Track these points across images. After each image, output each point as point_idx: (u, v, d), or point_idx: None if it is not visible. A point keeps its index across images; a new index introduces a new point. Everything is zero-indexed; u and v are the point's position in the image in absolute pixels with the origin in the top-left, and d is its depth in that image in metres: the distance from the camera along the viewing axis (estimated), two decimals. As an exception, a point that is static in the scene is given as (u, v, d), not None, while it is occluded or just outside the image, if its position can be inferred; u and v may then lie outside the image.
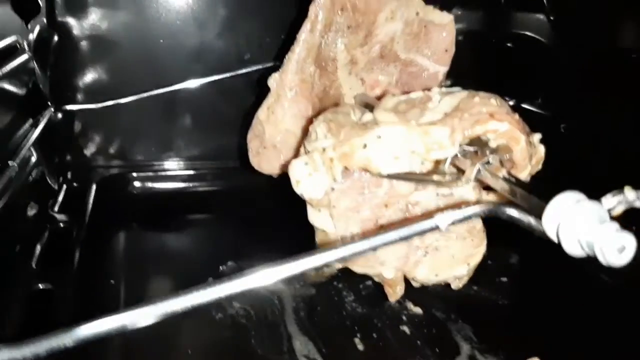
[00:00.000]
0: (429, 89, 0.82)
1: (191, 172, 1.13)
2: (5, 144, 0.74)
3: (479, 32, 1.21)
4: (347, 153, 0.57)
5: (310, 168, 0.60)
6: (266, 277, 0.43)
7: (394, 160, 0.56)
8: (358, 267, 0.70)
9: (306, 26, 0.72)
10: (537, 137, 0.63)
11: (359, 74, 0.78)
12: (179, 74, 1.05)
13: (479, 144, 0.56)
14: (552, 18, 1.05)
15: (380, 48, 0.77)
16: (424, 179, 0.59)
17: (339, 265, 0.78)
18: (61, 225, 0.88)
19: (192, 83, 1.04)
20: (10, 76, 0.80)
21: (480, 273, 0.81)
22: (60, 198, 0.95)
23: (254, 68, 1.03)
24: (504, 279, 0.86)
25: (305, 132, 0.74)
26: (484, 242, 0.69)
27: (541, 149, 0.63)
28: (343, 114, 0.61)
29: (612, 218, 0.43)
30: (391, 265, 0.68)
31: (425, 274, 0.71)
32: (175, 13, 1.04)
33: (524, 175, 0.60)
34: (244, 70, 1.03)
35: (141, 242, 0.95)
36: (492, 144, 0.56)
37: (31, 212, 0.83)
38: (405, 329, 0.75)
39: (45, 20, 0.93)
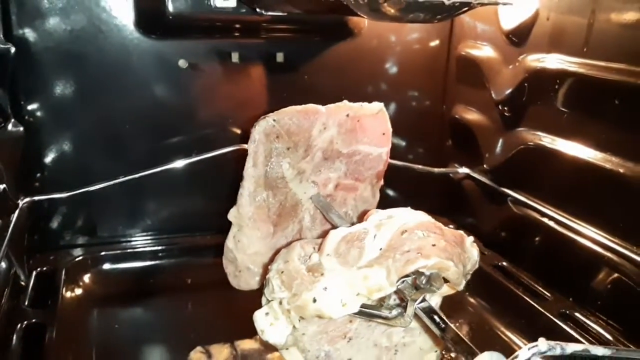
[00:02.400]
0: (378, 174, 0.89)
1: (160, 247, 1.16)
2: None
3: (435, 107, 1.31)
4: (301, 306, 0.63)
5: (272, 317, 0.66)
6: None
7: (343, 307, 0.61)
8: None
9: (249, 162, 0.78)
10: (469, 241, 0.69)
11: (309, 179, 0.84)
12: (145, 158, 1.08)
13: (415, 273, 0.62)
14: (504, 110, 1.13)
15: (322, 152, 0.83)
16: (373, 314, 0.64)
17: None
18: (34, 320, 0.90)
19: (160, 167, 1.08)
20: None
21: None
22: (30, 288, 0.98)
23: (219, 152, 1.07)
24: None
25: (272, 250, 0.80)
26: None
27: (474, 254, 0.69)
28: (293, 262, 0.66)
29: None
30: None
31: None
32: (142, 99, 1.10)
33: (462, 286, 0.66)
34: (209, 155, 1.07)
35: (113, 325, 0.98)
36: (426, 272, 0.62)
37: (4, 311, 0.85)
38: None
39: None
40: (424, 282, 0.61)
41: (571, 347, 0.54)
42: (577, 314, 0.96)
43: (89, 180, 1.06)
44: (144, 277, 1.12)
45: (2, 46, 0.93)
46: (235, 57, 1.12)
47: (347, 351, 0.73)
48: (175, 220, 1.19)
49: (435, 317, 0.60)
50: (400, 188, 1.34)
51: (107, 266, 1.11)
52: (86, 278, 1.08)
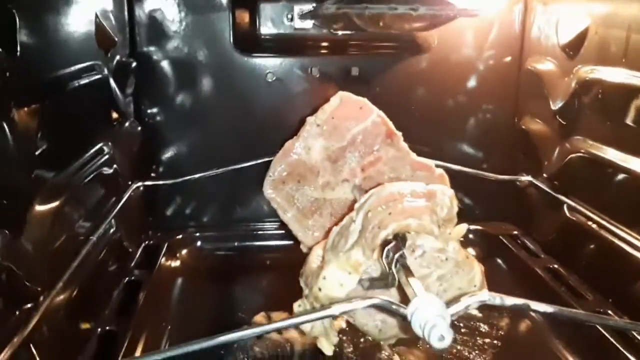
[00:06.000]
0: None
1: (247, 232, 1.36)
2: (92, 215, 0.99)
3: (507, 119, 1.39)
4: (316, 297, 0.78)
5: (303, 309, 0.82)
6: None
7: (341, 287, 0.75)
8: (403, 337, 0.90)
9: (280, 214, 1.00)
10: (440, 192, 0.77)
11: (337, 182, 0.98)
12: (239, 155, 1.29)
13: (391, 240, 0.73)
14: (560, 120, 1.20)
15: (328, 160, 0.97)
16: (375, 285, 0.78)
17: (344, 324, 1.00)
18: (133, 277, 1.13)
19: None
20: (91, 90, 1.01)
21: (467, 334, 1.02)
22: (137, 255, 1.21)
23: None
24: (487, 341, 1.01)
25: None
26: (475, 263, 0.83)
27: (445, 200, 0.77)
28: (309, 264, 0.82)
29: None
30: None
31: None
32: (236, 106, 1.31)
33: (436, 231, 0.75)
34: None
35: (194, 293, 1.18)
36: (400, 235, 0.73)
37: (112, 267, 1.09)
38: (386, 378, 0.92)
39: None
40: (401, 244, 0.72)
41: (511, 300, 0.62)
42: (610, 313, 0.99)
43: (191, 172, 1.29)
44: (230, 256, 1.32)
45: (125, 60, 1.18)
46: (315, 71, 1.30)
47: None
48: (260, 210, 1.38)
49: (402, 273, 0.70)
50: (473, 195, 1.43)
51: (201, 244, 1.33)
52: (183, 252, 1.30)
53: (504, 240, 1.31)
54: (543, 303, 0.62)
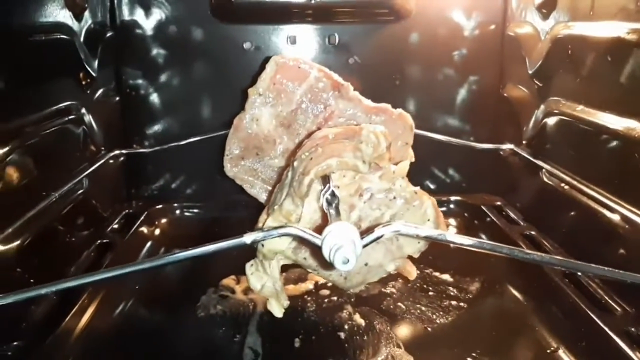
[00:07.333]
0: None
1: (224, 203, 1.36)
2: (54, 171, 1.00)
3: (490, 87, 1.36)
4: (262, 253, 0.81)
5: (254, 268, 0.85)
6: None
7: (280, 239, 0.76)
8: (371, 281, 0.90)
9: (248, 190, 1.06)
10: (365, 130, 0.76)
11: (295, 136, 0.99)
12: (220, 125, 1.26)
13: (322, 183, 0.73)
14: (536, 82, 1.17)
15: (281, 127, 0.97)
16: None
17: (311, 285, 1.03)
18: (107, 240, 1.14)
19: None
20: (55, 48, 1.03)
21: (434, 297, 1.00)
22: (116, 221, 1.23)
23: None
24: (453, 303, 0.99)
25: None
26: (425, 197, 0.81)
27: (371, 137, 0.76)
28: (257, 224, 0.84)
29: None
30: (387, 262, 0.85)
31: (412, 249, 0.86)
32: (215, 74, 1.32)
33: (364, 167, 0.75)
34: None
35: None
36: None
37: (84, 229, 1.11)
38: (342, 335, 0.91)
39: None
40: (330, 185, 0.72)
41: (426, 231, 0.61)
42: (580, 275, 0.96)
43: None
44: (210, 226, 1.31)
45: (100, 28, 1.20)
46: (292, 39, 1.30)
47: (361, 258, 0.81)
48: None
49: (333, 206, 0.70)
50: (460, 168, 1.41)
51: (180, 214, 1.34)
52: (162, 221, 1.31)
53: (486, 210, 1.28)
54: (460, 235, 0.61)
